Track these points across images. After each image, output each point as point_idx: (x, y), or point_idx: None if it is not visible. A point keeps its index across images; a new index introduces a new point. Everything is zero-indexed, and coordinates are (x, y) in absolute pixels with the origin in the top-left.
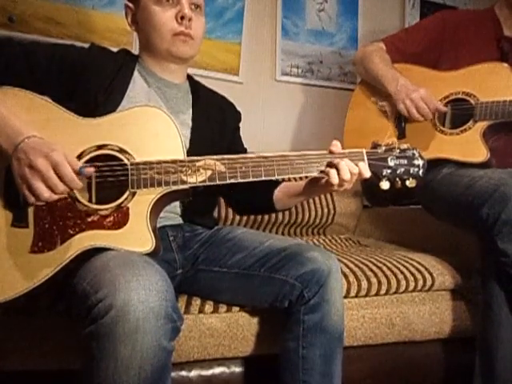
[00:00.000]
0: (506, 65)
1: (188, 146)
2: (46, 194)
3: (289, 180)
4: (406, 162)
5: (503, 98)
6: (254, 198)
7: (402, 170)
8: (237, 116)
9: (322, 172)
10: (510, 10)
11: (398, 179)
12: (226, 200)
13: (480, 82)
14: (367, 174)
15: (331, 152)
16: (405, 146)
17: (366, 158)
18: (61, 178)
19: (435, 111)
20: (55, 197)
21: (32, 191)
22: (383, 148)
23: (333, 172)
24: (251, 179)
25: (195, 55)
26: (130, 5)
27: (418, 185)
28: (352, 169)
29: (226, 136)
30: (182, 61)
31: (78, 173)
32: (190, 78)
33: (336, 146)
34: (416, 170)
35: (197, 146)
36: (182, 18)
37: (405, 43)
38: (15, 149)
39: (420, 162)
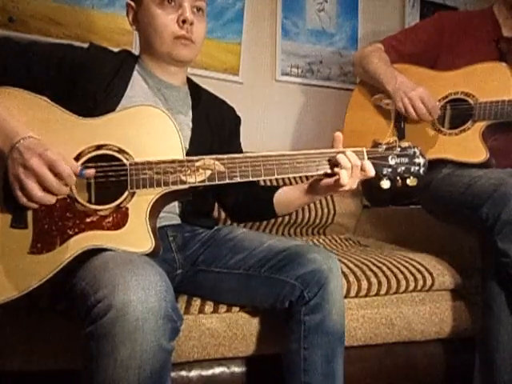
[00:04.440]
0: (504, 64)
1: (188, 147)
2: (39, 193)
3: (290, 183)
4: (406, 160)
5: (502, 97)
6: (254, 202)
7: (403, 168)
8: (236, 121)
9: (328, 174)
10: (509, 10)
11: (398, 178)
12: (222, 206)
13: (479, 82)
14: (372, 172)
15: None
16: (406, 144)
17: (366, 156)
18: (57, 175)
19: (433, 111)
20: (49, 197)
21: (24, 191)
22: (384, 147)
23: (343, 172)
24: (251, 179)
25: (195, 58)
26: (132, 4)
27: (418, 184)
28: (355, 161)
29: (224, 140)
30: (181, 64)
31: (79, 175)
32: (189, 81)
33: (338, 137)
34: (417, 168)
35: (196, 148)
36: (184, 21)
37: (403, 44)
38: (11, 149)
39: (421, 161)
